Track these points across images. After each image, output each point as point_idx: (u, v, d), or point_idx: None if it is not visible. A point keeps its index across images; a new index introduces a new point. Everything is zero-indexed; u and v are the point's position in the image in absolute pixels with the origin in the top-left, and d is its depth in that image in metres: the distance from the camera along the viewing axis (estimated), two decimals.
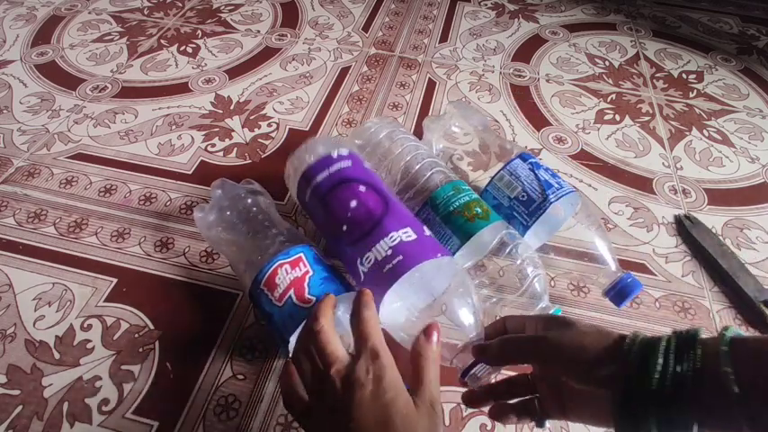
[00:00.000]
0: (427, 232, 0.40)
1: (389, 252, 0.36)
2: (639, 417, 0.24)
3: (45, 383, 0.44)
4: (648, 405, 0.24)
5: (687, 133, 0.74)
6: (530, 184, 0.49)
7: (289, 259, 0.42)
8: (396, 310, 0.36)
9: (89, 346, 0.46)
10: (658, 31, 0.97)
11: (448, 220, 0.46)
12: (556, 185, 0.49)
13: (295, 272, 0.41)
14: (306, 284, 0.40)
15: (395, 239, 0.37)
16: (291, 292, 0.40)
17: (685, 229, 0.58)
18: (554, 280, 0.53)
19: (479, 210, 0.46)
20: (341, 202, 0.41)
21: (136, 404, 0.43)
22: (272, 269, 0.41)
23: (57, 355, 0.46)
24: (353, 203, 0.40)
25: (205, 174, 0.63)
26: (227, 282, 0.52)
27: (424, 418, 0.29)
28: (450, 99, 0.77)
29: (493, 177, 0.52)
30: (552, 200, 0.48)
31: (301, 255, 0.42)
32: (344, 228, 0.39)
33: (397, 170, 0.52)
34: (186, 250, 0.54)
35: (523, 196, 0.49)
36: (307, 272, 0.41)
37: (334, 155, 0.43)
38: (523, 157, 0.52)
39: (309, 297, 0.39)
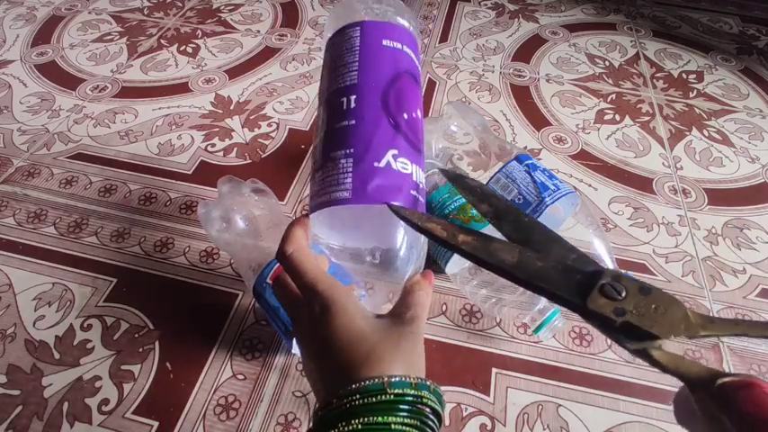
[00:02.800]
0: None
1: (420, 185, 0.30)
2: None
3: (45, 383, 0.44)
4: None
5: (687, 133, 0.74)
6: (526, 186, 0.49)
7: None
8: (336, 232, 0.31)
9: (89, 346, 0.46)
10: (658, 31, 0.97)
11: None
12: (552, 187, 0.49)
13: None
14: None
15: (422, 184, 0.32)
16: None
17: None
18: None
19: (475, 212, 0.46)
20: (413, 98, 0.33)
21: (136, 404, 0.43)
22: (279, 264, 0.41)
23: (57, 355, 0.46)
24: (417, 113, 0.33)
25: (205, 174, 0.63)
26: (227, 282, 0.52)
27: (406, 341, 0.26)
28: (450, 99, 0.77)
29: (489, 180, 0.52)
30: (548, 202, 0.48)
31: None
32: (405, 117, 0.31)
33: None
34: (186, 250, 0.54)
35: (519, 199, 0.49)
36: None
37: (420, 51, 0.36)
38: (520, 158, 0.52)
39: None
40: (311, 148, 0.31)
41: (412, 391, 0.24)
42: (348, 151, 0.29)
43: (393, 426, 0.23)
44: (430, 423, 0.24)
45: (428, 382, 0.25)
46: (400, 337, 0.26)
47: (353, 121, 0.30)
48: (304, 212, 0.58)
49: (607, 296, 0.22)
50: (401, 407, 0.23)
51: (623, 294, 0.22)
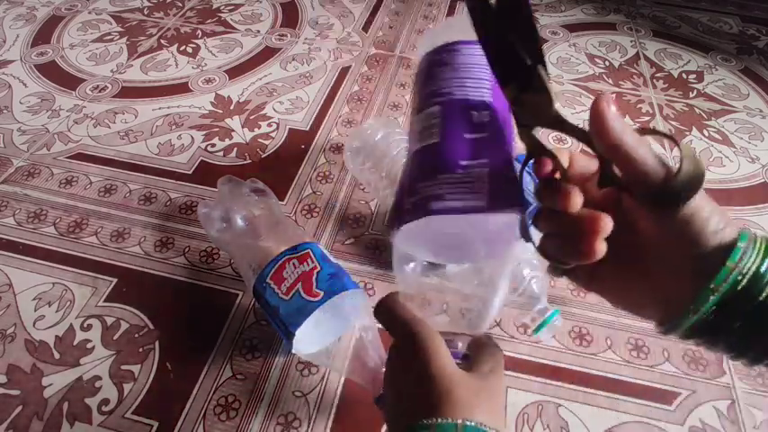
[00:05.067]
0: None
1: None
2: (722, 325, 0.22)
3: (45, 383, 0.44)
4: (741, 314, 0.21)
5: (687, 133, 0.74)
6: (526, 186, 0.49)
7: (297, 254, 0.42)
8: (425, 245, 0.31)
9: (89, 346, 0.46)
10: (658, 31, 0.97)
11: None
12: None
13: (303, 266, 0.42)
14: (314, 279, 0.41)
15: None
16: (299, 285, 0.40)
17: None
18: (554, 279, 0.53)
19: None
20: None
21: (136, 404, 0.43)
22: (279, 263, 0.42)
23: (57, 355, 0.46)
24: None
25: (205, 174, 0.63)
26: (227, 282, 0.52)
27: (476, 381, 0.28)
28: None
29: None
30: None
31: (309, 251, 0.43)
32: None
33: (395, 171, 0.52)
34: (186, 250, 0.54)
35: None
36: (315, 267, 0.42)
37: None
38: (519, 158, 0.52)
39: (317, 291, 0.40)
40: (407, 133, 0.30)
41: None
42: (483, 161, 0.29)
43: None
44: None
45: None
46: (480, 387, 0.26)
47: (486, 134, 0.31)
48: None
49: (519, 85, 0.26)
50: None
51: (529, 87, 0.26)
